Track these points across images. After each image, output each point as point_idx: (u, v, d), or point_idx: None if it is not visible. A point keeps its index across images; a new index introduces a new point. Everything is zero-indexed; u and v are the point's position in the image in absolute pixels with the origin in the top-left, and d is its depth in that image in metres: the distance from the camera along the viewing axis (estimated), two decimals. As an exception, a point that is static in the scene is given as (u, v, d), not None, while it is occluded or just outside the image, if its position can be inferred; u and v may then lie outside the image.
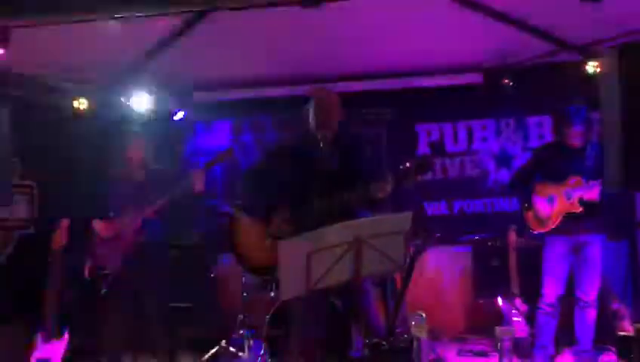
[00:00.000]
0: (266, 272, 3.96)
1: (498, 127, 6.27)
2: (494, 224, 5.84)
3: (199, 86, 6.36)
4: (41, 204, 5.86)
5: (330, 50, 5.29)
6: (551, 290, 4.35)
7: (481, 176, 6.27)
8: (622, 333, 2.30)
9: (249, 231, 3.85)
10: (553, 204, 4.33)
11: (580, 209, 4.24)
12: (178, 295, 5.11)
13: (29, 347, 4.23)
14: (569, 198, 4.26)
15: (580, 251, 4.34)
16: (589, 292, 4.32)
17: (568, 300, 4.48)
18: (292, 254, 2.78)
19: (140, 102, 5.99)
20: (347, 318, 3.58)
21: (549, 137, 6.05)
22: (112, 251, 4.21)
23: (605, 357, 4.51)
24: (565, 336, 4.57)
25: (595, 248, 4.32)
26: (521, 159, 6.01)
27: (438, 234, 4.97)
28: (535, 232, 4.45)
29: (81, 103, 6.01)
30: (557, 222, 4.31)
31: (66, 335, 4.28)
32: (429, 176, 6.26)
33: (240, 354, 5.25)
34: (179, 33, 4.80)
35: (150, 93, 5.97)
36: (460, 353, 5.25)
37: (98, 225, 4.30)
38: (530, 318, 4.75)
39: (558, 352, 4.57)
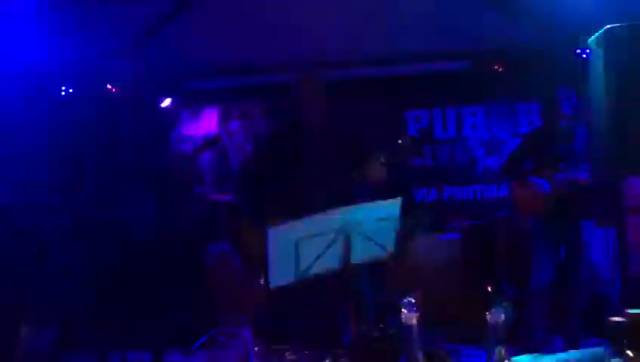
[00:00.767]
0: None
1: (487, 113, 6.26)
2: (483, 210, 5.84)
3: (187, 73, 6.30)
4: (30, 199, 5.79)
5: (318, 36, 5.25)
6: (540, 275, 4.36)
7: (471, 162, 6.26)
8: (612, 319, 2.29)
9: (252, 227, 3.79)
10: (543, 188, 4.32)
11: (569, 194, 4.24)
12: (167, 283, 5.08)
13: (16, 340, 4.19)
14: (558, 183, 4.26)
15: (569, 236, 4.35)
16: (578, 277, 4.34)
17: (557, 285, 4.50)
18: (280, 241, 2.75)
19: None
20: (338, 302, 3.58)
21: (539, 123, 6.05)
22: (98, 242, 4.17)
23: (593, 343, 4.54)
24: (554, 321, 4.59)
25: (584, 233, 4.33)
26: (510, 145, 6.00)
27: (428, 220, 4.96)
28: (525, 217, 4.45)
29: (67, 90, 5.94)
30: (546, 207, 4.32)
31: (53, 328, 4.24)
32: (418, 162, 6.27)
33: (230, 342, 5.24)
34: (166, 19, 4.73)
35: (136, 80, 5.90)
36: (449, 339, 5.26)
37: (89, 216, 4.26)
38: (519, 304, 4.76)
39: (547, 337, 4.59)
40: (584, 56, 5.39)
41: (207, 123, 6.56)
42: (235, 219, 4.15)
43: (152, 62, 5.71)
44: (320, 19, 4.86)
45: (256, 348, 4.68)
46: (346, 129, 3.74)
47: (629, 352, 2.23)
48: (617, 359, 2.25)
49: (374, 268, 3.90)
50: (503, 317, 2.14)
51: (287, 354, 3.24)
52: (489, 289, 5.00)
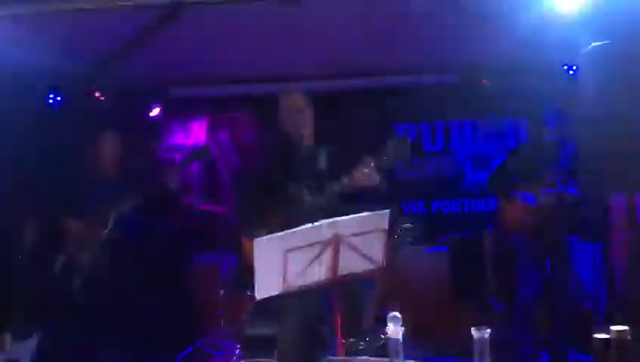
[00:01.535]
0: None
1: (475, 127, 6.30)
2: (471, 224, 5.86)
3: (175, 82, 6.29)
4: (12, 200, 5.74)
5: (308, 48, 5.26)
6: (526, 291, 4.37)
7: (458, 176, 6.29)
8: (598, 336, 2.29)
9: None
10: (528, 204, 4.34)
11: (556, 210, 4.26)
12: (153, 293, 5.04)
13: (-1, 347, 4.14)
14: (544, 199, 4.28)
15: (555, 252, 4.36)
16: (564, 292, 4.35)
17: (543, 301, 4.51)
18: (268, 252, 2.74)
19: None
20: (323, 314, 3.56)
21: (526, 138, 6.09)
22: (85, 248, 4.13)
23: (579, 359, 4.55)
24: (540, 337, 4.60)
25: (570, 249, 4.35)
26: (497, 160, 6.04)
27: (415, 233, 4.97)
28: (511, 232, 4.47)
29: (54, 98, 5.91)
30: (532, 223, 4.34)
31: (36, 336, 4.19)
32: (406, 174, 6.29)
33: (215, 353, 5.20)
34: (155, 27, 4.72)
35: (125, 89, 5.89)
36: (436, 353, 5.25)
37: (70, 221, 4.22)
38: (505, 318, 4.78)
39: (533, 352, 4.59)
40: (571, 72, 5.45)
41: (196, 133, 6.55)
42: (228, 230, 4.14)
43: (141, 71, 5.70)
44: (309, 31, 4.88)
45: (241, 361, 4.66)
46: (334, 139, 3.75)
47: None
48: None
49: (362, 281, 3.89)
50: (488, 331, 2.14)
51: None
52: (476, 303, 5.01)
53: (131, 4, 3.87)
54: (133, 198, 4.05)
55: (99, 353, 4.26)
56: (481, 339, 2.17)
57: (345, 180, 3.38)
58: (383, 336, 3.23)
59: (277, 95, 3.71)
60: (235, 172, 6.27)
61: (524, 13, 4.63)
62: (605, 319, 4.57)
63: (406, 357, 2.38)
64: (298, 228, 2.81)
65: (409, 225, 3.49)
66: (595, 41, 4.62)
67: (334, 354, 3.04)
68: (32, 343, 4.17)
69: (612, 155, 4.01)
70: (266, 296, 2.87)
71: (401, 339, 2.27)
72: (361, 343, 3.24)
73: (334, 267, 2.83)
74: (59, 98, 5.95)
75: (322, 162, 3.54)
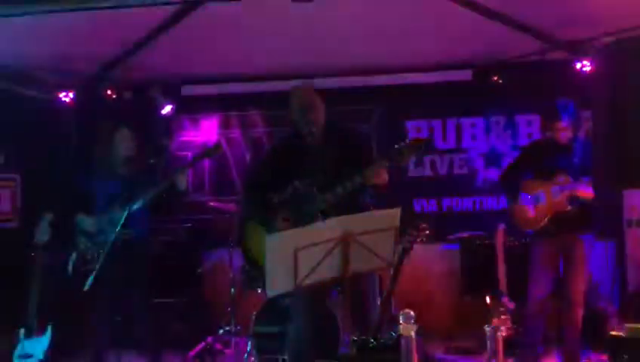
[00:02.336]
0: None
1: (487, 125, 6.26)
2: (483, 222, 5.83)
3: (187, 79, 6.31)
4: (25, 198, 5.79)
5: (319, 45, 5.26)
6: (538, 289, 4.34)
7: (470, 174, 6.25)
8: (613, 333, 2.27)
9: (257, 233, 3.78)
10: (541, 202, 4.31)
11: (569, 208, 4.22)
12: (164, 291, 5.06)
13: (12, 342, 4.17)
14: (557, 196, 4.24)
15: (568, 250, 4.33)
16: (577, 291, 4.31)
17: (556, 299, 4.48)
18: (279, 249, 2.74)
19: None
20: (335, 312, 3.55)
21: (538, 136, 6.04)
22: (96, 246, 4.15)
23: (592, 357, 4.52)
24: (553, 335, 4.57)
25: (583, 247, 4.31)
26: (510, 157, 6.00)
27: (427, 231, 4.94)
28: (523, 230, 4.43)
29: (66, 96, 5.95)
30: (545, 221, 4.30)
31: (49, 332, 4.21)
32: (417, 172, 6.27)
33: (226, 351, 5.21)
34: (167, 25, 4.73)
35: (137, 86, 5.91)
36: (447, 351, 5.24)
37: (82, 219, 4.24)
38: (517, 317, 4.74)
39: (545, 351, 4.57)
40: (585, 68, 5.40)
41: (207, 130, 6.56)
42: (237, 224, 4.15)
43: (153, 67, 5.72)
44: (322, 28, 4.87)
45: (252, 358, 4.66)
46: (347, 136, 3.73)
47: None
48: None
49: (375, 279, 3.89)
50: (502, 328, 2.13)
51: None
52: (488, 301, 4.98)
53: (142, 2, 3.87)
54: (145, 196, 4.06)
55: (110, 349, 4.28)
56: (494, 337, 2.16)
57: (357, 178, 3.37)
58: (394, 334, 3.22)
59: (289, 91, 3.69)
60: (246, 169, 6.28)
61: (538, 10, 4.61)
62: (619, 317, 4.53)
63: (418, 355, 2.38)
64: (309, 226, 2.81)
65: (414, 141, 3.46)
66: (610, 36, 4.60)
67: (345, 351, 3.04)
68: (45, 339, 4.20)
69: (626, 151, 3.97)
70: (277, 294, 2.87)
71: (413, 336, 2.26)
72: (372, 340, 3.24)
73: (345, 265, 2.82)
74: (72, 96, 5.98)
75: (332, 159, 3.52)
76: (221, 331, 5.29)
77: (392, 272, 3.84)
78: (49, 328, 4.22)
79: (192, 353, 5.14)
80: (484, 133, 6.26)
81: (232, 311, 5.24)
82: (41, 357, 4.14)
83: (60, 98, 6.00)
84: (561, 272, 4.39)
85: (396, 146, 3.39)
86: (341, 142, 3.58)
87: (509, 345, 4.60)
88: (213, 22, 4.68)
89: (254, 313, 4.60)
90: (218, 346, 5.23)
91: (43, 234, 4.24)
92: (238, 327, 5.21)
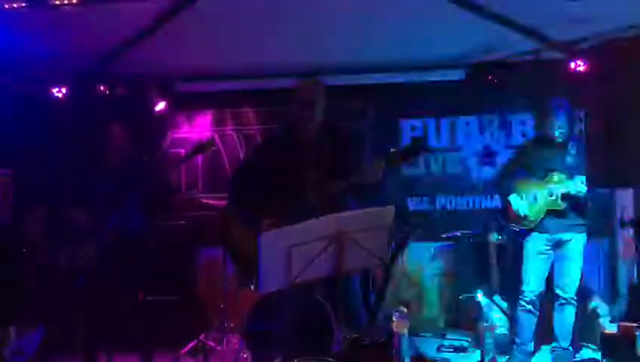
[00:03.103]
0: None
1: (481, 123, 6.26)
2: (476, 221, 5.83)
3: (181, 76, 6.29)
4: (18, 194, 5.76)
5: (314, 42, 5.25)
6: (531, 287, 4.35)
7: (464, 172, 6.26)
8: (606, 332, 2.28)
9: (243, 231, 3.77)
10: (535, 200, 4.32)
11: (563, 206, 4.23)
12: (157, 288, 5.04)
13: (3, 340, 4.15)
14: (551, 195, 4.25)
15: (561, 248, 4.34)
16: (569, 289, 4.33)
17: (548, 297, 4.49)
18: (273, 247, 2.73)
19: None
20: (328, 309, 3.54)
21: (532, 135, 6.05)
22: (89, 242, 4.13)
23: (584, 355, 4.53)
24: (544, 334, 4.58)
25: (576, 246, 4.32)
26: (503, 156, 6.01)
27: (421, 230, 4.97)
28: (517, 229, 4.44)
29: (59, 92, 5.93)
30: (539, 219, 4.31)
31: (41, 328, 4.20)
32: (411, 171, 6.27)
33: (219, 348, 5.20)
34: (161, 21, 4.72)
35: (130, 82, 5.89)
36: (440, 349, 5.25)
37: (74, 215, 4.22)
38: (510, 315, 4.76)
39: (537, 349, 4.58)
40: (579, 68, 5.42)
41: (201, 126, 6.54)
42: (228, 223, 4.13)
43: (147, 64, 5.70)
44: (317, 26, 4.87)
45: (244, 355, 4.65)
46: (339, 134, 3.73)
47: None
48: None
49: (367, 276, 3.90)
50: (495, 326, 2.13)
51: (275, 360, 3.22)
52: (481, 299, 5.00)
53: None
54: (138, 192, 4.04)
55: (102, 347, 4.26)
56: (488, 334, 2.16)
57: (352, 178, 3.36)
58: (387, 331, 3.22)
59: (291, 86, 3.67)
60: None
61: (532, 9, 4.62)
62: (611, 316, 4.55)
63: (410, 352, 2.38)
64: (302, 224, 2.80)
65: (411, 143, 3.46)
66: (603, 36, 4.61)
67: (337, 349, 3.03)
68: (37, 336, 4.18)
69: (620, 150, 3.99)
70: (269, 290, 2.87)
71: (406, 334, 2.26)
72: (364, 338, 3.24)
73: (338, 263, 2.82)
74: (65, 91, 5.96)
75: (326, 156, 3.52)
76: (214, 328, 5.28)
77: (384, 270, 3.86)
78: (41, 325, 4.21)
79: (184, 350, 5.12)
80: (478, 132, 6.26)
81: (224, 309, 5.23)
82: (32, 354, 4.12)
83: (54, 93, 5.97)
84: (553, 270, 4.41)
85: (392, 149, 3.38)
86: (333, 140, 3.57)
87: (502, 343, 4.64)
88: (207, 18, 4.67)
89: (247, 310, 4.59)
90: (211, 343, 5.22)
91: (35, 230, 4.22)
92: (231, 325, 5.20)
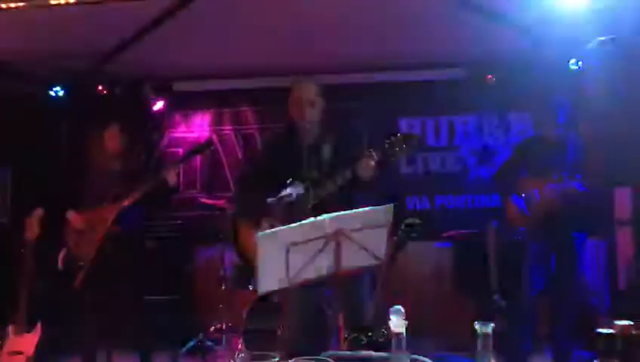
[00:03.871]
0: None
1: (480, 122, 6.26)
2: (475, 220, 5.83)
3: (179, 75, 6.28)
4: (15, 194, 5.75)
5: (312, 41, 5.25)
6: (530, 286, 4.34)
7: (463, 171, 6.26)
8: (603, 331, 2.27)
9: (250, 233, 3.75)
10: (535, 199, 4.30)
11: (563, 205, 4.21)
12: (155, 287, 5.03)
13: (1, 339, 4.14)
14: (552, 194, 4.23)
15: (561, 247, 4.33)
16: (569, 289, 4.31)
17: (547, 296, 4.49)
18: (271, 246, 2.72)
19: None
20: (330, 308, 3.54)
21: (531, 133, 6.05)
22: (86, 242, 4.12)
23: (583, 355, 4.52)
24: (544, 333, 4.58)
25: (577, 245, 4.31)
26: (502, 155, 6.01)
27: (420, 225, 4.93)
28: (517, 228, 4.43)
29: (58, 91, 5.92)
30: (539, 218, 4.29)
31: (39, 328, 4.19)
32: (410, 170, 6.27)
33: (217, 348, 5.20)
34: (159, 21, 4.71)
35: (128, 81, 5.88)
36: (438, 347, 5.24)
37: (72, 215, 4.22)
38: (509, 314, 4.75)
39: (535, 348, 4.57)
40: (577, 67, 5.42)
41: (199, 126, 6.54)
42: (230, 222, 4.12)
43: (145, 63, 5.69)
44: (316, 25, 4.86)
45: (242, 354, 4.64)
46: (339, 132, 3.72)
47: (618, 364, 2.22)
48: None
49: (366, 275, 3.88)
50: (492, 326, 2.12)
51: (273, 360, 3.21)
52: (479, 298, 4.99)
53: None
54: (136, 192, 4.03)
55: (100, 346, 4.26)
56: (485, 334, 2.15)
57: (347, 173, 3.36)
58: (385, 331, 3.21)
59: (288, 86, 3.66)
60: (238, 165, 6.26)
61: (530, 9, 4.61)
62: (609, 314, 4.55)
63: (408, 351, 2.37)
64: (300, 223, 2.80)
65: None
66: (602, 36, 4.61)
67: (337, 349, 3.03)
68: (34, 335, 4.17)
69: (618, 149, 3.99)
70: (268, 291, 2.86)
71: (404, 333, 2.25)
72: (364, 338, 3.23)
73: (337, 262, 2.81)
74: (63, 91, 5.95)
75: (326, 155, 3.51)
76: (212, 328, 5.28)
77: (383, 269, 3.84)
78: (39, 325, 4.20)
79: (183, 350, 5.12)
80: (477, 130, 6.26)
81: (223, 308, 5.23)
82: (30, 354, 4.11)
83: (52, 94, 5.96)
84: (553, 269, 4.40)
85: (387, 140, 3.37)
86: (334, 140, 3.57)
87: (500, 342, 4.63)
88: (204, 18, 4.66)
89: (246, 310, 4.59)
90: (209, 343, 5.22)
91: (33, 230, 4.21)
92: (230, 324, 5.20)
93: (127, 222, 4.12)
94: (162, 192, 4.09)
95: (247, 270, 3.86)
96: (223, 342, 5.19)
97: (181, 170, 6.36)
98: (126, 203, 4.04)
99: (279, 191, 3.51)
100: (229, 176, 6.35)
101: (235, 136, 6.47)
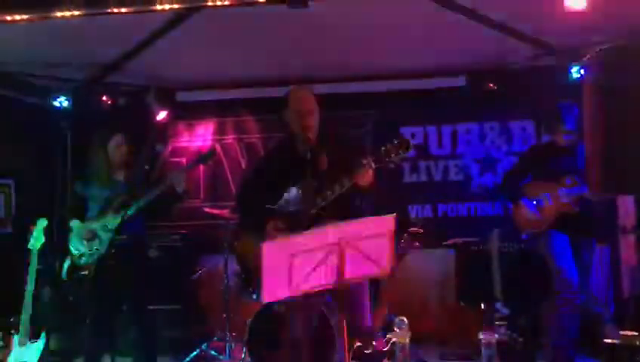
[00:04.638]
0: None
1: (482, 130, 6.27)
2: (478, 228, 5.83)
3: (182, 85, 6.31)
4: (19, 204, 5.77)
5: (315, 51, 5.27)
6: (573, 277, 4.17)
7: (465, 180, 6.26)
8: (607, 341, 2.27)
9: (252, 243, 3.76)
10: (546, 203, 4.28)
11: (577, 210, 4.19)
12: (159, 296, 5.03)
13: (5, 349, 4.15)
14: (564, 198, 4.21)
15: (566, 253, 4.30)
16: (578, 294, 4.26)
17: (551, 303, 4.46)
18: (275, 256, 2.73)
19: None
20: (334, 317, 3.54)
21: (533, 141, 6.06)
22: (91, 253, 4.13)
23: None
24: (548, 340, 4.55)
25: (588, 251, 4.29)
26: (504, 163, 6.02)
27: (422, 233, 4.93)
28: (525, 234, 4.41)
29: (62, 101, 5.94)
30: (550, 222, 4.26)
31: (43, 337, 4.19)
32: (413, 178, 6.28)
33: (221, 357, 5.19)
34: (162, 31, 4.74)
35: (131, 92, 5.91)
36: (442, 357, 5.23)
37: (76, 225, 4.22)
38: (512, 323, 4.74)
39: (541, 356, 4.55)
40: (578, 75, 5.43)
41: (202, 136, 6.56)
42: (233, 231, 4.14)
43: (148, 74, 5.72)
44: (317, 34, 4.88)
45: (247, 364, 4.64)
46: (340, 142, 3.73)
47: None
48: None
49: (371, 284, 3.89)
50: (496, 336, 2.12)
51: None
52: (482, 307, 4.98)
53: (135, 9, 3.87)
54: (140, 201, 4.04)
55: (104, 356, 4.25)
56: (489, 343, 2.16)
57: (346, 181, 3.36)
58: (389, 341, 3.22)
59: (287, 94, 3.67)
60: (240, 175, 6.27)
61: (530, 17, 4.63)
62: (614, 322, 4.52)
63: (411, 361, 2.37)
64: (304, 232, 2.80)
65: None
66: (603, 44, 4.61)
67: (341, 358, 3.03)
68: (39, 344, 4.18)
69: (620, 156, 3.98)
70: (272, 300, 2.86)
71: (408, 343, 2.26)
72: (368, 347, 3.24)
73: (340, 271, 2.82)
74: (67, 102, 5.97)
75: (325, 164, 3.52)
76: (216, 337, 5.27)
77: (385, 277, 3.84)
78: (43, 334, 4.20)
79: (186, 360, 5.12)
80: (479, 139, 6.27)
81: (226, 318, 5.22)
82: (35, 363, 4.12)
83: (56, 104, 5.99)
84: (560, 274, 4.35)
85: (382, 147, 3.38)
86: (334, 149, 3.58)
87: (503, 351, 4.61)
88: (208, 28, 4.68)
89: (249, 319, 4.58)
90: (213, 353, 5.21)
91: (37, 240, 4.22)
92: (233, 334, 5.19)
93: (132, 232, 4.12)
94: (170, 199, 4.10)
95: (250, 280, 3.87)
96: (227, 352, 5.18)
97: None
98: (130, 212, 4.04)
99: (280, 200, 3.53)
100: (232, 185, 6.37)
101: (238, 145, 6.49)
